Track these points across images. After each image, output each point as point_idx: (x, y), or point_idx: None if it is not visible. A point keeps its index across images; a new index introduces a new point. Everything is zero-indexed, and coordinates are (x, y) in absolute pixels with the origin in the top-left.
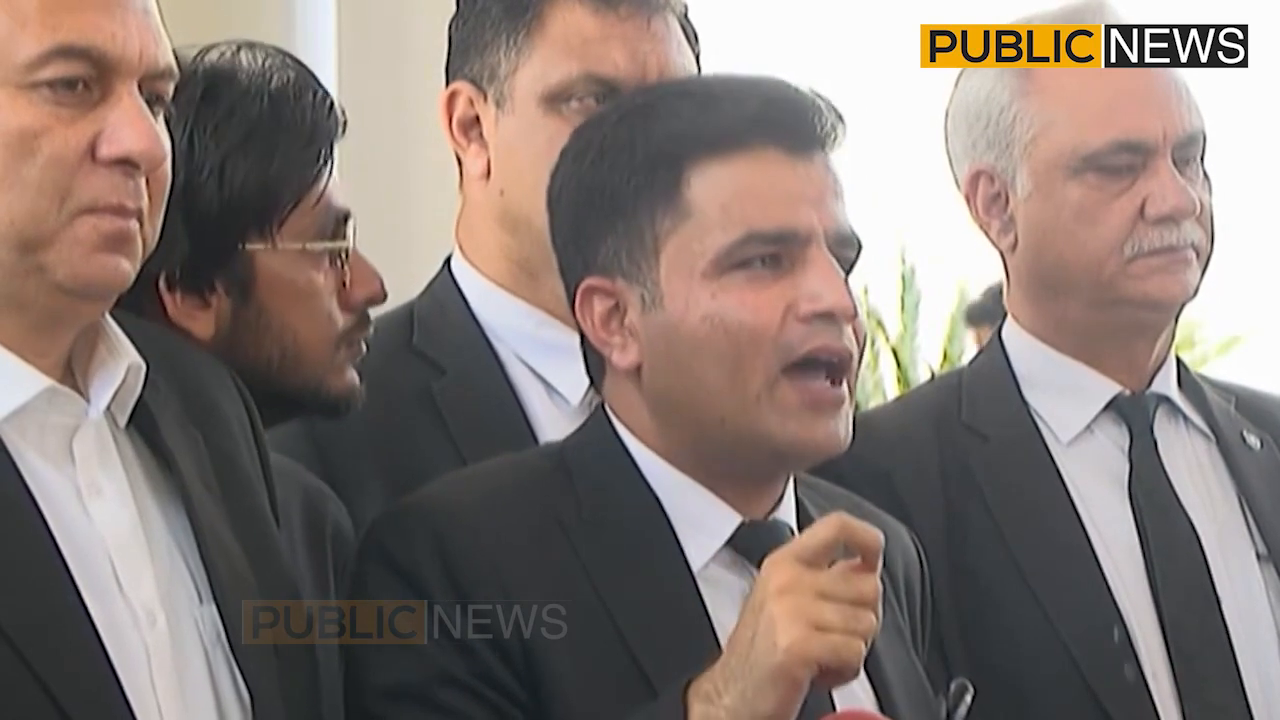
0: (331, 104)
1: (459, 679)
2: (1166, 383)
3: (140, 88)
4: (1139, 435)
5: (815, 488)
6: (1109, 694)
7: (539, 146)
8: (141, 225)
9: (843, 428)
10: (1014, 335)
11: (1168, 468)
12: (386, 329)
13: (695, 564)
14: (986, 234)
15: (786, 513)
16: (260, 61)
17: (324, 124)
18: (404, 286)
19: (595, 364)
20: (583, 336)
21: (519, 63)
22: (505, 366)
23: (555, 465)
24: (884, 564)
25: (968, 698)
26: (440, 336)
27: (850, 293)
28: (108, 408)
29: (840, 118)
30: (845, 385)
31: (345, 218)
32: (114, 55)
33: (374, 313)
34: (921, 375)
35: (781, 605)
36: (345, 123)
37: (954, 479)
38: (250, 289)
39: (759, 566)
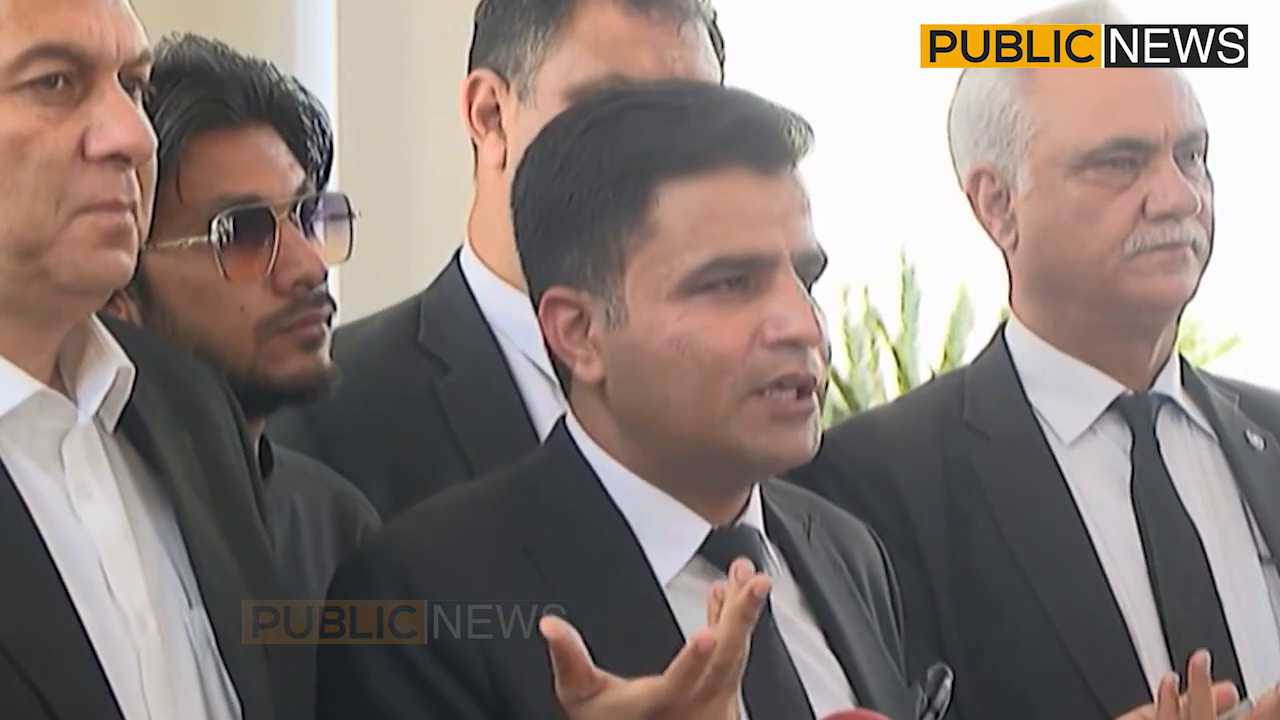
0: (196, 102)
1: None
2: (1169, 383)
3: (119, 76)
4: (1141, 436)
5: (778, 489)
6: (1109, 695)
7: None
8: (136, 217)
9: (810, 438)
10: (1017, 335)
11: (1170, 469)
12: (393, 324)
13: (664, 576)
14: (989, 233)
15: (754, 517)
16: None
17: (176, 121)
18: (404, 286)
19: (563, 372)
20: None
21: (545, 56)
22: (510, 362)
23: (516, 489)
24: (846, 563)
25: (947, 682)
26: (446, 333)
27: (816, 318)
28: (97, 412)
29: (810, 130)
30: (814, 396)
31: (227, 206)
32: (93, 51)
33: (382, 306)
34: (921, 375)
35: None
36: (220, 112)
37: (956, 479)
38: (149, 291)
39: (728, 571)
